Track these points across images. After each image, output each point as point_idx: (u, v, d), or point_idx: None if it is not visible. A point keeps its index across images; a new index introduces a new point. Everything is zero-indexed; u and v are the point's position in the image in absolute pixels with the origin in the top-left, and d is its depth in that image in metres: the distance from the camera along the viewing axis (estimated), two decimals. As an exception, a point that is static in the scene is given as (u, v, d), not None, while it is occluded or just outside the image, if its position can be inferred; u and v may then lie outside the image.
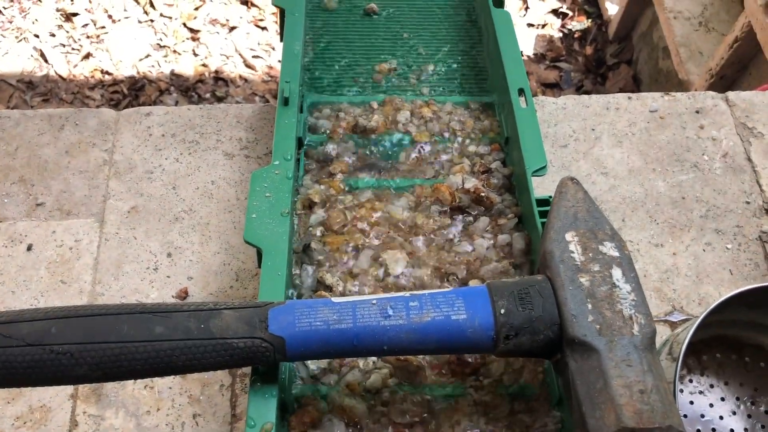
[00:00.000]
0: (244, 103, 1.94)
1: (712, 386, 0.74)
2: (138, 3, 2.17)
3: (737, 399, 0.73)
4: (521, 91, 0.82)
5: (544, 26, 2.24)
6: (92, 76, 2.03)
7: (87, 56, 2.06)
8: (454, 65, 0.95)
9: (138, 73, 2.04)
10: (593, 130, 0.94)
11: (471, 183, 0.78)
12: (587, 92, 2.09)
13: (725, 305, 0.67)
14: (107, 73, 2.04)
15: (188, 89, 2.01)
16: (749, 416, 0.72)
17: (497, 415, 0.63)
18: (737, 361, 0.75)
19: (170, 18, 2.15)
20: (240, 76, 2.06)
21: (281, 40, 0.95)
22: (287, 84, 0.80)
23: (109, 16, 2.14)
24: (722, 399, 0.73)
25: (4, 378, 0.54)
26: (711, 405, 0.73)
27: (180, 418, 0.72)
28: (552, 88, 2.10)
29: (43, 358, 0.54)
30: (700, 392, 0.74)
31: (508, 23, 0.90)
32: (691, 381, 0.74)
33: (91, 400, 0.74)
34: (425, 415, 0.64)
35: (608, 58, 2.13)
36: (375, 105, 0.88)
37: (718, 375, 0.74)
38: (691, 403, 0.73)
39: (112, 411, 0.73)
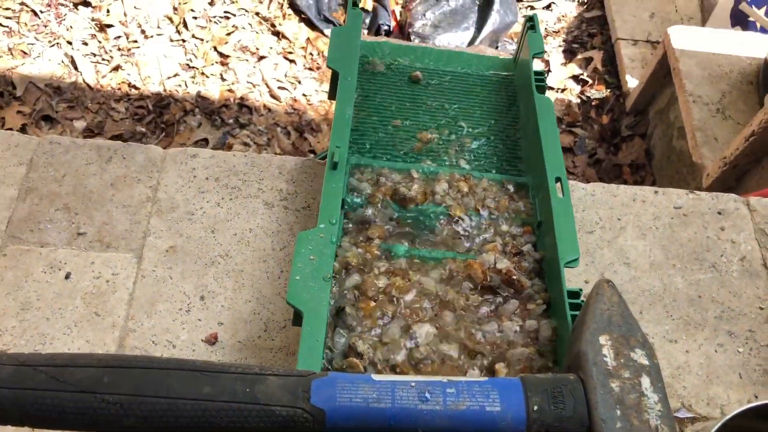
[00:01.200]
0: (273, 144, 1.98)
1: (715, 489, 0.76)
2: (171, 22, 2.21)
3: (738, 504, 0.76)
4: (558, 179, 0.86)
5: (563, 90, 2.30)
6: (119, 89, 2.06)
7: (116, 68, 2.09)
8: (492, 142, 0.99)
9: (165, 90, 2.07)
10: (619, 219, 0.97)
11: (503, 264, 0.81)
12: (600, 160, 2.14)
13: (739, 414, 0.70)
14: (134, 87, 2.07)
15: (212, 113, 2.05)
16: None
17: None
18: (741, 466, 0.77)
19: (202, 40, 2.19)
20: (264, 105, 2.10)
21: (330, 98, 0.98)
22: (338, 149, 0.83)
23: (143, 32, 2.18)
24: (724, 503, 0.76)
25: (55, 422, 0.56)
26: (713, 508, 0.75)
27: (199, 464, 0.74)
28: (565, 152, 2.15)
29: (94, 407, 0.55)
30: (704, 494, 0.76)
31: (549, 110, 0.94)
32: (695, 482, 0.77)
33: (113, 436, 0.75)
34: (443, 492, 0.66)
35: (623, 129, 2.18)
36: (415, 174, 0.91)
37: (722, 478, 0.77)
38: (695, 504, 0.76)
39: (133, 449, 0.74)
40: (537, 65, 0.99)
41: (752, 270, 0.95)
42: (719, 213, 0.99)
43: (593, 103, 2.27)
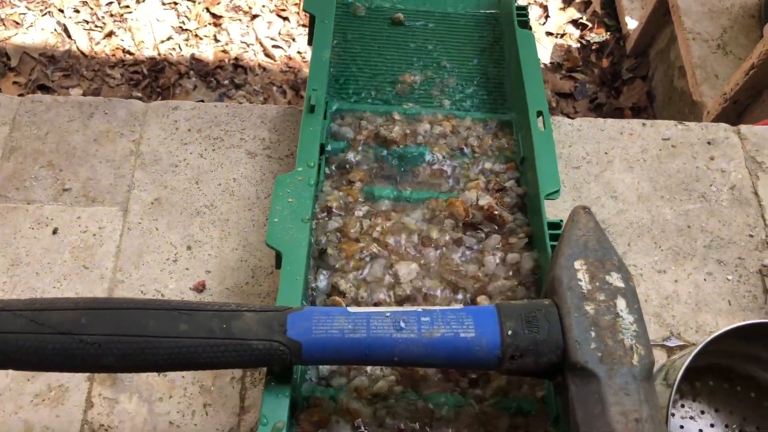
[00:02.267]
0: (269, 103, 1.97)
1: (703, 412, 0.77)
2: (163, -16, 2.19)
3: (726, 426, 0.76)
4: (540, 113, 0.85)
5: (562, 35, 2.26)
6: (113, 55, 2.05)
7: (110, 35, 2.08)
8: (476, 81, 0.97)
9: (159, 55, 2.06)
10: (606, 153, 0.96)
11: (485, 200, 0.81)
12: (601, 105, 2.11)
13: (723, 336, 0.70)
14: (128, 52, 2.06)
15: (207, 74, 2.04)
16: (736, 444, 0.75)
17: (496, 428, 0.66)
18: (729, 389, 0.78)
19: (194, 2, 2.17)
20: (259, 65, 2.08)
21: (309, 43, 0.97)
22: (314, 92, 0.82)
23: (134, -4, 2.16)
24: (712, 425, 0.76)
25: (35, 363, 0.57)
26: (701, 431, 0.76)
27: (191, 406, 0.76)
28: (566, 98, 2.12)
29: (72, 347, 0.57)
30: (691, 417, 0.77)
31: (531, 44, 0.92)
32: (683, 406, 0.77)
33: (107, 383, 0.77)
34: (427, 422, 0.67)
35: (624, 72, 2.15)
36: (397, 116, 0.90)
37: (710, 402, 0.77)
38: (682, 427, 0.76)
39: (126, 395, 0.76)
40: (521, 1, 0.97)
41: (742, 198, 0.93)
42: (709, 143, 0.98)
43: (593, 47, 2.23)
